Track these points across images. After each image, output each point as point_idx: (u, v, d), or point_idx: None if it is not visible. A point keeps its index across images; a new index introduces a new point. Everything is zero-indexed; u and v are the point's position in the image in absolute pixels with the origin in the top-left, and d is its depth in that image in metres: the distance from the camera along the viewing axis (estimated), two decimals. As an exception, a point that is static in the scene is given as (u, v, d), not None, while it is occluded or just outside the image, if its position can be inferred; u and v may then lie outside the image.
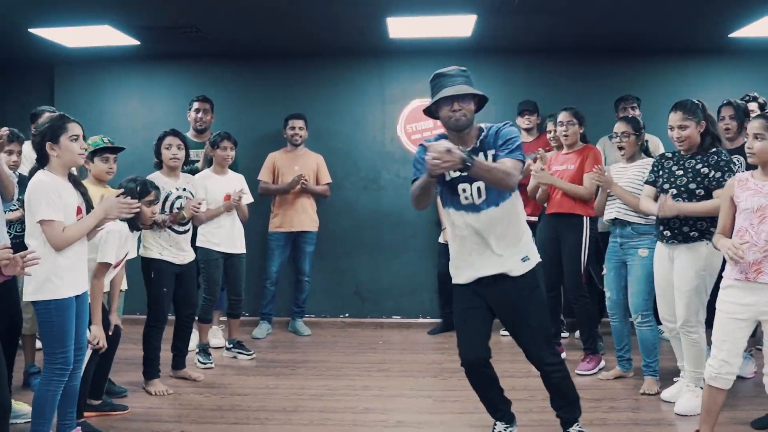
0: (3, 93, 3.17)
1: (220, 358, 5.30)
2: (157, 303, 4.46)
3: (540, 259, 3.38)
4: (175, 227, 4.52)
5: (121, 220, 3.63)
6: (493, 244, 3.23)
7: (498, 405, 3.50)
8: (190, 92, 5.98)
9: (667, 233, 3.92)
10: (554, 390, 3.40)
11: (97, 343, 3.62)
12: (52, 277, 3.14)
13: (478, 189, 3.20)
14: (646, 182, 4.17)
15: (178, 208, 4.56)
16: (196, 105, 5.75)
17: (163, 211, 4.46)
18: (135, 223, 3.88)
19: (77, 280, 3.27)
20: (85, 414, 3.76)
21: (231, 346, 5.36)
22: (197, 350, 5.11)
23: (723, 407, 3.33)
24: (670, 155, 4.09)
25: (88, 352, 3.58)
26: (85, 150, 3.39)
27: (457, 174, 3.16)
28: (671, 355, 4.36)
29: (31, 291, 3.15)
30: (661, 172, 4.06)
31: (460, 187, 3.23)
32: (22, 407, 3.78)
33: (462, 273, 3.35)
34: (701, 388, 3.68)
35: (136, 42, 5.83)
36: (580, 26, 5.62)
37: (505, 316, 3.39)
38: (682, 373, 4.17)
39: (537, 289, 3.31)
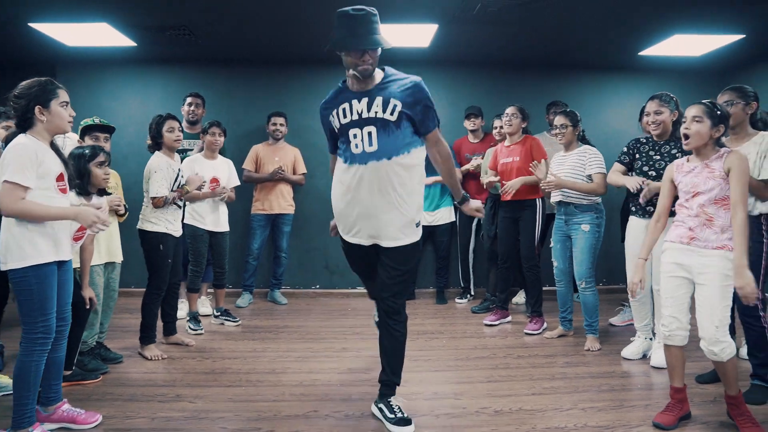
0: (6, 90, 2.60)
1: (209, 324, 4.86)
2: (159, 273, 3.96)
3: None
4: (178, 202, 4.06)
5: (81, 195, 3.17)
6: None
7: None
8: (183, 93, 5.49)
9: (650, 208, 3.62)
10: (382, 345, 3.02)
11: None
12: (25, 243, 2.52)
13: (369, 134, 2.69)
14: (619, 161, 3.86)
15: (179, 186, 4.09)
16: (189, 99, 5.32)
17: (172, 189, 4.00)
18: (86, 187, 3.21)
19: (57, 245, 2.63)
20: None
21: (218, 314, 4.93)
22: (187, 318, 4.68)
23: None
24: (644, 140, 3.79)
25: None
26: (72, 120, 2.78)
27: (348, 120, 2.71)
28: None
29: (9, 260, 2.51)
30: (638, 155, 3.77)
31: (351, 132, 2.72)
32: (4, 380, 3.21)
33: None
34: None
35: (133, 43, 5.25)
36: (524, 41, 5.31)
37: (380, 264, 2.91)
38: (638, 334, 3.98)
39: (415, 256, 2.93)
